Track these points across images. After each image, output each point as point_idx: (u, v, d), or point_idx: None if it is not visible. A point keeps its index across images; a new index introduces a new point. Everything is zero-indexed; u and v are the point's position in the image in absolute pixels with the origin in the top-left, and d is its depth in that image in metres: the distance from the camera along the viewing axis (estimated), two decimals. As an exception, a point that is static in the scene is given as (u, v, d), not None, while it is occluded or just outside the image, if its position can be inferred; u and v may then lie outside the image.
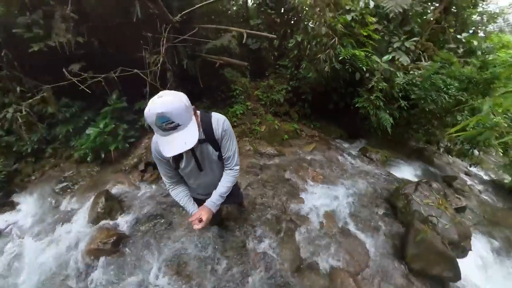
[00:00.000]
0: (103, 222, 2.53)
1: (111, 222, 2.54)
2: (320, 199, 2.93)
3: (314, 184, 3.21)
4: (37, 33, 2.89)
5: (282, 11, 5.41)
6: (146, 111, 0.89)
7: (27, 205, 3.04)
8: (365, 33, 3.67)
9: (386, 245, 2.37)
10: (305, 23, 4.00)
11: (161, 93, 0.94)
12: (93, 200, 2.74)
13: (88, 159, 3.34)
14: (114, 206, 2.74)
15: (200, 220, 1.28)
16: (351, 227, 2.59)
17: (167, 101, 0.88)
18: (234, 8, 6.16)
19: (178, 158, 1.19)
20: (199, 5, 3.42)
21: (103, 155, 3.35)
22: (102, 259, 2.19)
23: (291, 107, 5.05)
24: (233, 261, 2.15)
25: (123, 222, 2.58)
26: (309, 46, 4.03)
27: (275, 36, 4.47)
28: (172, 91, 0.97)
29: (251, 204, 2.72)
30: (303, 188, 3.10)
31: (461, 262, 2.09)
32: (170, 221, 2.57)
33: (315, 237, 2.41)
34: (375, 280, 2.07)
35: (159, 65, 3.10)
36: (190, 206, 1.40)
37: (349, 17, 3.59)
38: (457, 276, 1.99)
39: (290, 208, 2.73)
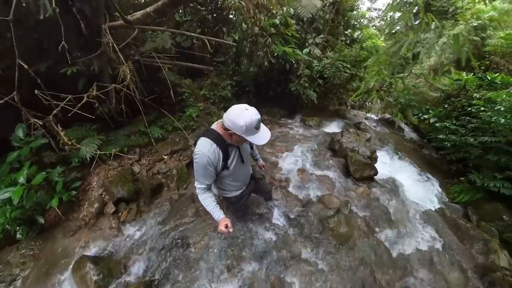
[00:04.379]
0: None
1: (122, 281, 2.13)
2: (291, 162, 3.78)
3: (282, 155, 3.98)
4: None
5: (214, 8, 5.19)
6: (248, 120, 1.20)
7: None
8: (289, 33, 4.75)
9: (339, 172, 3.62)
10: (241, 23, 4.22)
11: (242, 106, 1.26)
12: (74, 276, 2.12)
13: (18, 235, 2.32)
14: (110, 265, 2.18)
15: (226, 226, 1.50)
16: (316, 170, 3.66)
17: (254, 109, 1.26)
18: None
19: (227, 156, 1.48)
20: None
21: (41, 220, 2.40)
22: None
23: (238, 100, 5.34)
24: (260, 226, 2.59)
25: (135, 272, 2.21)
26: (248, 44, 4.58)
27: (234, 43, 4.40)
28: (243, 105, 1.28)
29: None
30: (276, 161, 3.80)
31: (376, 165, 3.63)
32: (186, 241, 2.44)
33: (300, 185, 3.30)
34: (342, 192, 3.26)
35: (129, 77, 2.59)
36: (217, 211, 1.54)
37: (277, 20, 4.50)
38: (376, 172, 3.50)
39: (276, 176, 3.43)
